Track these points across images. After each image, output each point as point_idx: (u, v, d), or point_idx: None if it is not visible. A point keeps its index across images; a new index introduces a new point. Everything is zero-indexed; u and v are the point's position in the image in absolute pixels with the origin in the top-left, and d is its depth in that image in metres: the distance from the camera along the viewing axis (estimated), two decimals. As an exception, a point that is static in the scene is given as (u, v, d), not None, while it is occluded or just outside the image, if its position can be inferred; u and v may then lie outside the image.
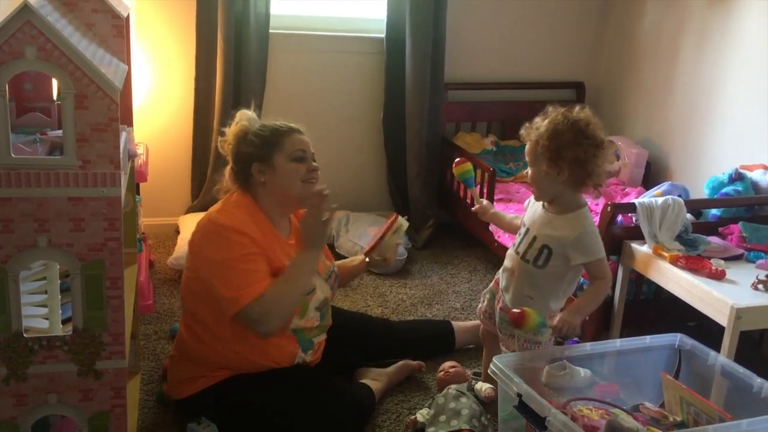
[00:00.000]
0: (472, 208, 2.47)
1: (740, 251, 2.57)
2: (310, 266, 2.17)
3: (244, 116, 2.25)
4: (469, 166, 2.44)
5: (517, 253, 2.19)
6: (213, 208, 2.20)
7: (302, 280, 2.14)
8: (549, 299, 2.15)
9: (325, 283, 2.29)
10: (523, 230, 2.21)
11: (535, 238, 2.14)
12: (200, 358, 2.17)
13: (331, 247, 3.45)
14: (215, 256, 2.06)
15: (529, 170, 2.14)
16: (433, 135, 3.76)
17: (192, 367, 2.18)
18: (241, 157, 2.19)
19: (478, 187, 3.47)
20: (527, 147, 2.12)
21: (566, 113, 2.05)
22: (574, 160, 2.02)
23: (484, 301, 2.42)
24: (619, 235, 2.63)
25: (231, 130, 2.24)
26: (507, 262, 2.25)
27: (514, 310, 2.02)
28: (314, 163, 2.21)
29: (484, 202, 2.45)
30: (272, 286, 2.07)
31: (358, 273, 2.60)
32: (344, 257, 3.37)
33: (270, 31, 3.51)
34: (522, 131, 2.15)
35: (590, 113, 2.07)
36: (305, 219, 2.18)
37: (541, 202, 2.19)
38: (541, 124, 2.08)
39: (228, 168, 2.24)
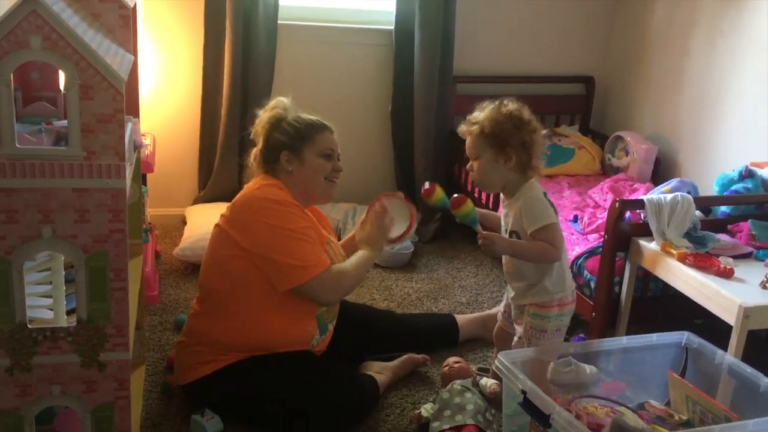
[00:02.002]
0: (479, 242, 2.15)
1: (749, 249, 2.55)
2: (372, 262, 2.34)
3: (281, 103, 2.31)
4: (470, 206, 2.17)
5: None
6: (250, 191, 2.23)
7: (365, 271, 2.32)
8: (543, 281, 2.20)
9: None
10: (502, 231, 2.28)
11: (506, 231, 2.24)
12: (213, 340, 2.19)
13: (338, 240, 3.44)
14: (283, 225, 2.13)
15: (473, 164, 2.21)
16: (441, 128, 3.74)
17: (201, 351, 2.20)
18: (273, 143, 2.25)
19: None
20: (469, 141, 2.20)
21: (500, 106, 2.16)
22: (519, 144, 2.13)
23: (504, 300, 2.45)
24: (627, 232, 2.62)
25: (265, 114, 2.30)
26: (503, 264, 2.33)
27: (426, 184, 2.20)
28: (339, 163, 2.30)
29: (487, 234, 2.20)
30: (343, 264, 2.24)
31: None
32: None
33: (279, 21, 3.50)
34: (462, 127, 2.22)
35: (520, 104, 2.18)
36: (366, 228, 2.35)
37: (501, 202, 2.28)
38: (479, 117, 2.17)
39: (256, 150, 2.29)
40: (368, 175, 3.90)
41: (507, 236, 2.24)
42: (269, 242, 2.13)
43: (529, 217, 2.13)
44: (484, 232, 2.13)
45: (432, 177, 3.73)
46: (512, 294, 2.29)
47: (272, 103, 2.34)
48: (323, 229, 2.39)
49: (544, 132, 2.20)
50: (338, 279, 2.19)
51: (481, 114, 2.18)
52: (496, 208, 3.25)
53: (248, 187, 2.28)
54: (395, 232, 2.39)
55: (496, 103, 2.19)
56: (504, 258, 2.30)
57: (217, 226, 2.24)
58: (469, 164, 2.24)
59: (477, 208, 2.22)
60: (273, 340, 2.19)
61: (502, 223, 2.29)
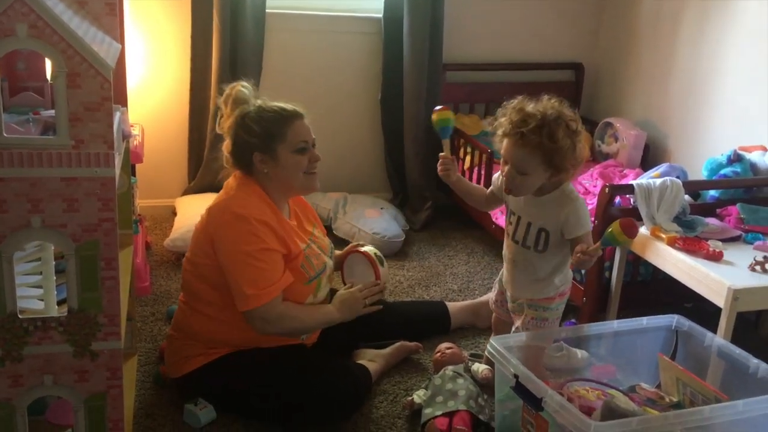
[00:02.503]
0: (438, 164, 2.30)
1: (738, 233, 2.57)
2: (331, 323, 2.26)
3: (241, 96, 2.16)
4: (450, 114, 2.31)
5: (516, 242, 2.20)
6: (226, 196, 2.16)
7: (318, 325, 2.26)
8: (554, 277, 2.17)
9: (330, 260, 2.35)
10: (513, 219, 2.21)
11: (529, 224, 2.15)
12: (201, 335, 2.18)
13: (329, 229, 3.44)
14: (239, 247, 2.05)
15: (514, 174, 2.05)
16: (431, 116, 3.72)
17: (191, 344, 2.19)
18: (241, 144, 2.14)
19: (476, 169, 3.47)
20: (518, 154, 2.03)
21: (560, 126, 1.99)
22: (574, 163, 2.07)
23: (494, 289, 2.43)
24: (616, 217, 2.59)
25: (227, 113, 2.17)
26: (507, 253, 2.26)
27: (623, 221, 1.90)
28: (315, 152, 2.19)
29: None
30: (297, 306, 2.17)
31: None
32: (342, 239, 3.38)
33: (267, 10, 3.48)
34: (509, 135, 2.03)
35: (572, 113, 2.06)
36: (353, 293, 2.27)
37: None
38: (530, 129, 1.98)
39: (226, 149, 2.20)
40: (358, 163, 3.90)
41: (524, 229, 2.15)
42: (225, 262, 2.07)
43: (578, 223, 2.08)
44: (587, 251, 1.95)
45: (422, 165, 3.74)
46: (511, 287, 2.25)
47: (233, 93, 2.16)
48: (307, 224, 2.34)
49: None
50: (279, 317, 2.10)
51: (535, 125, 1.98)
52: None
53: (226, 186, 2.20)
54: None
55: (549, 114, 2.00)
56: (513, 251, 2.22)
57: (196, 227, 2.21)
58: (507, 169, 2.07)
59: (464, 179, 2.33)
60: (260, 337, 2.16)
61: (514, 210, 2.20)
